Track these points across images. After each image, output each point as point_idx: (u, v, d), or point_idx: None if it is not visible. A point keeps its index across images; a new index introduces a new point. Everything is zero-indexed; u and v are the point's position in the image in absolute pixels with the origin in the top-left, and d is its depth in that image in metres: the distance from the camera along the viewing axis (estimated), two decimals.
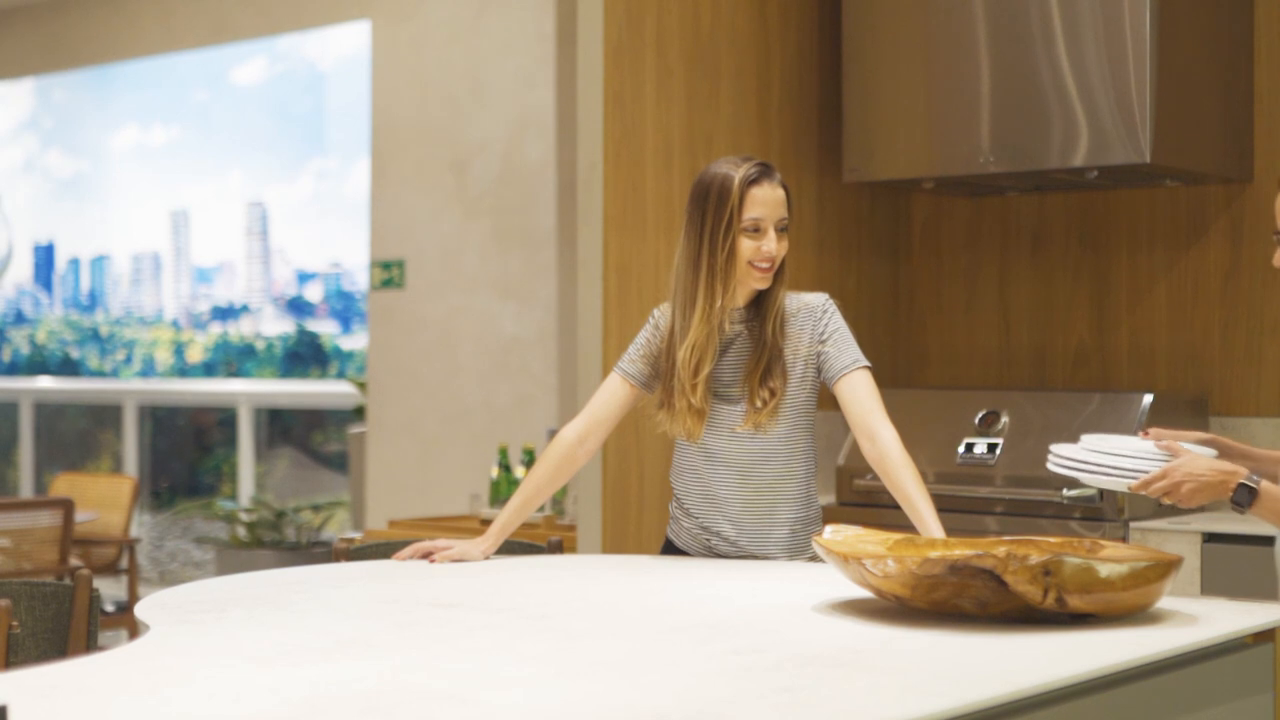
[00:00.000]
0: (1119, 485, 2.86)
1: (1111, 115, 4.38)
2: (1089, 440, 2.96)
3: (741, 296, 3.32)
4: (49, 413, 10.61)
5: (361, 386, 7.95)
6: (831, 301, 3.36)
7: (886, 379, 5.19)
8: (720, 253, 3.25)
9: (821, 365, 3.32)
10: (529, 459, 5.96)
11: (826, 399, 3.39)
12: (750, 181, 3.26)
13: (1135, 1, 4.33)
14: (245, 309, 9.90)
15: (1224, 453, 2.99)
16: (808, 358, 3.32)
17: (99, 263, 10.43)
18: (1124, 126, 4.36)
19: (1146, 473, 2.81)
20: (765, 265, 3.27)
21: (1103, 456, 2.89)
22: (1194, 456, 2.82)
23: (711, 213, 3.26)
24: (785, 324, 3.33)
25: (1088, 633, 2.40)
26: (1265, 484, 2.78)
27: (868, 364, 3.30)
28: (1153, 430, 2.97)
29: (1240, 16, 4.70)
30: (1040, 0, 4.49)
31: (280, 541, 8.41)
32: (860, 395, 3.26)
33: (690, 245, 3.30)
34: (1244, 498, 2.76)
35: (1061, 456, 2.95)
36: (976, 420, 4.56)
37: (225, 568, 8.12)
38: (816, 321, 3.33)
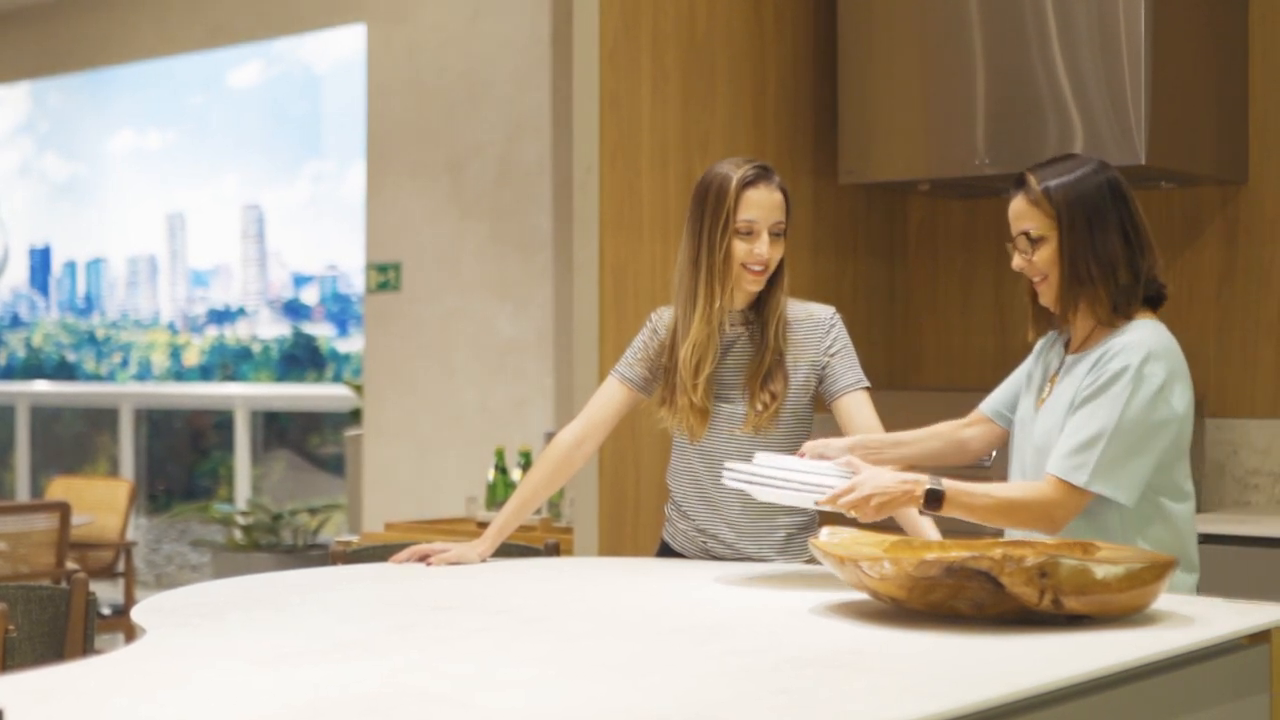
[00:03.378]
0: (805, 500, 2.87)
1: (1106, 117, 4.38)
2: (763, 458, 2.99)
3: (740, 299, 3.32)
4: (45, 416, 10.61)
5: (358, 389, 7.95)
6: (838, 315, 3.38)
7: (882, 380, 5.19)
8: (717, 253, 3.26)
9: (824, 378, 3.33)
10: (526, 461, 5.96)
11: (822, 404, 3.40)
12: (746, 183, 3.27)
13: (1130, 4, 4.34)
14: (241, 312, 9.89)
15: (875, 450, 3.08)
16: (811, 366, 3.33)
17: (95, 266, 10.43)
18: (1119, 128, 4.36)
19: (833, 487, 2.84)
20: (758, 268, 3.27)
21: (786, 472, 2.91)
22: (877, 470, 2.86)
23: (709, 213, 3.27)
24: (788, 329, 3.34)
25: (1084, 634, 2.40)
26: (949, 484, 2.84)
27: (868, 384, 3.33)
28: (805, 446, 3.05)
29: (1234, 18, 4.70)
30: (1035, 2, 4.50)
31: (277, 544, 8.41)
32: (864, 413, 3.30)
33: (690, 245, 3.31)
34: (934, 502, 2.83)
35: (740, 472, 2.96)
36: None
37: (222, 571, 8.11)
38: (825, 334, 3.34)
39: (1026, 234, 2.96)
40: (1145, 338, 2.88)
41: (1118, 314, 2.93)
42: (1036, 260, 2.96)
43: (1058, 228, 2.92)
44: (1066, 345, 3.04)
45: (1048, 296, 2.99)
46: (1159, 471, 2.89)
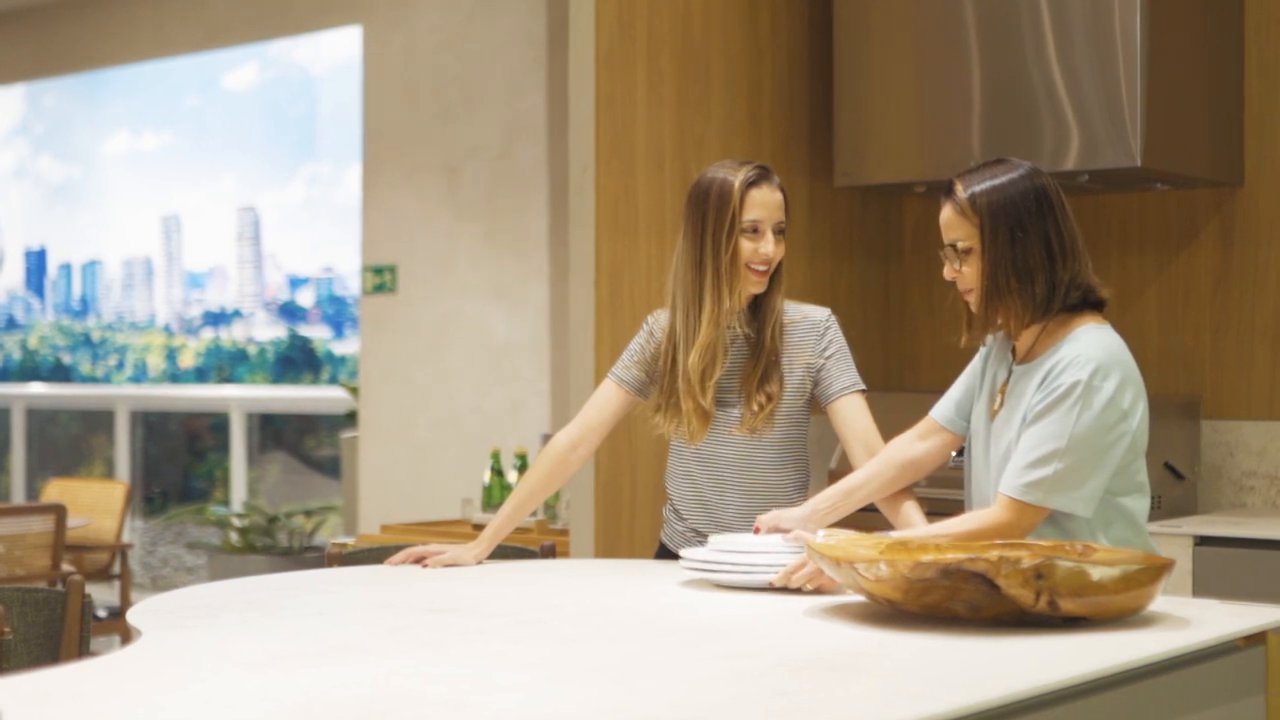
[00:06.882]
0: (761, 581, 2.88)
1: (1102, 119, 4.38)
2: (717, 541, 3.00)
3: (741, 300, 3.32)
4: (41, 418, 10.60)
5: (354, 391, 7.95)
6: (834, 317, 3.38)
7: (878, 382, 5.19)
8: (724, 255, 3.26)
9: (819, 380, 3.33)
10: (521, 464, 5.96)
11: (818, 406, 3.40)
12: (750, 184, 3.27)
13: (1125, 6, 4.34)
14: (237, 314, 9.89)
15: (830, 510, 3.07)
16: (807, 368, 3.33)
17: (91, 268, 10.42)
18: (1114, 130, 4.36)
19: (785, 565, 2.85)
20: (762, 268, 3.28)
21: (737, 556, 2.92)
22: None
23: (713, 215, 3.27)
24: (784, 331, 3.34)
25: (1080, 636, 2.40)
26: (899, 537, 2.81)
27: (864, 387, 3.33)
28: (760, 521, 3.04)
29: (1230, 20, 4.71)
30: (1031, 4, 4.50)
31: (273, 547, 8.40)
32: (860, 416, 3.30)
33: (691, 249, 3.30)
34: None
35: (695, 560, 2.97)
36: None
37: (218, 573, 8.11)
38: (820, 336, 3.34)
39: (954, 245, 2.95)
40: (1092, 349, 2.85)
41: (1035, 321, 2.91)
42: (965, 272, 2.95)
43: (981, 238, 2.91)
44: (1013, 352, 3.02)
45: (976, 307, 2.99)
46: (1117, 474, 2.88)
